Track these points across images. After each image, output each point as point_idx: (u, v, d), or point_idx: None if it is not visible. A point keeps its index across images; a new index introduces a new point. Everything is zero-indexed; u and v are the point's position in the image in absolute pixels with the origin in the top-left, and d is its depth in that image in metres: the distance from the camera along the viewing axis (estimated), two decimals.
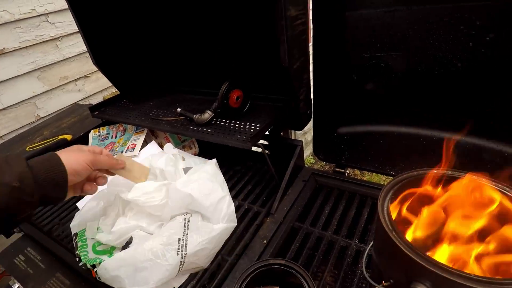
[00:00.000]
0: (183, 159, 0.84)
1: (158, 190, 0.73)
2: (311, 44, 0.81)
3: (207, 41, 0.99)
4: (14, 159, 0.51)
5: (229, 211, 0.70)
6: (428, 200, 0.47)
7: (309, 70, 0.84)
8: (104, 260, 0.62)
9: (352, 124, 0.94)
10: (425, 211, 0.46)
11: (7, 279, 0.95)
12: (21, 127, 1.45)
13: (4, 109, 1.38)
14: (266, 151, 0.83)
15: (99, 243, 0.68)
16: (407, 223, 0.45)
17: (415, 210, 0.46)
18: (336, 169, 0.89)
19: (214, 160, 0.80)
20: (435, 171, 0.47)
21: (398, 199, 0.46)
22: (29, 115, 1.48)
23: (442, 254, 0.41)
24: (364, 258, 0.52)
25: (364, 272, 0.49)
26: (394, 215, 0.44)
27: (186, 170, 0.80)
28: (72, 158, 0.57)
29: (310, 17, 0.77)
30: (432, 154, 0.83)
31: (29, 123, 1.48)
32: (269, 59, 0.82)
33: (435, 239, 0.44)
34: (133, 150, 0.96)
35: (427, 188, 0.47)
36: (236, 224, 0.70)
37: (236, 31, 0.90)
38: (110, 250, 0.68)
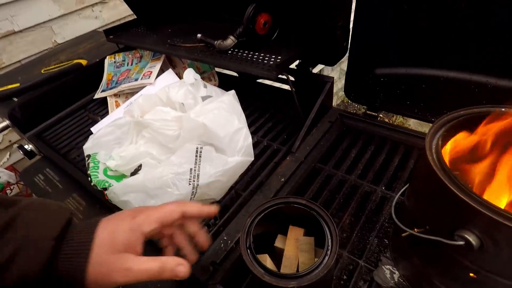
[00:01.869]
0: (205, 87, 0.78)
1: (176, 120, 0.68)
2: None
3: None
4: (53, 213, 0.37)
5: (245, 143, 0.64)
6: (487, 141, 0.38)
7: None
8: (113, 185, 0.60)
9: (393, 65, 0.82)
10: (480, 153, 0.38)
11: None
12: (39, 52, 1.41)
13: (20, 31, 1.33)
14: (292, 83, 0.75)
15: (110, 169, 0.66)
16: (459, 165, 0.37)
17: (470, 152, 0.38)
18: (367, 112, 0.80)
19: (233, 91, 0.73)
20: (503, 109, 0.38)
21: (450, 137, 0.38)
22: (46, 40, 1.43)
23: (497, 199, 0.34)
24: (394, 201, 0.46)
25: (394, 216, 0.43)
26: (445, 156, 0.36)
27: (205, 98, 0.74)
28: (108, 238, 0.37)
29: None
30: (485, 104, 0.72)
31: (46, 49, 1.43)
32: None
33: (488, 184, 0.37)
34: (148, 78, 0.90)
35: (486, 128, 0.38)
36: (253, 158, 0.65)
37: None
38: (120, 177, 0.66)
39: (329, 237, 0.40)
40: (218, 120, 0.65)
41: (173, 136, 0.67)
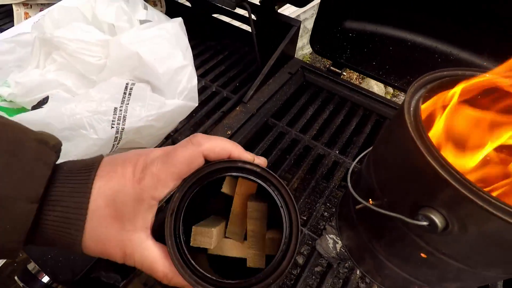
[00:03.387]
0: (145, 8, 0.62)
1: (102, 45, 0.53)
2: None
3: None
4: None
5: (189, 86, 0.53)
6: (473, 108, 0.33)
7: None
8: None
9: (363, 20, 0.75)
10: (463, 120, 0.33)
11: None
12: None
13: None
14: (254, 23, 0.63)
15: (3, 98, 0.50)
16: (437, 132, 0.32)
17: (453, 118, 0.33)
18: (331, 67, 0.73)
19: (180, 19, 0.59)
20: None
21: (432, 100, 0.32)
22: None
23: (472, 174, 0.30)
24: (351, 168, 0.41)
25: (349, 185, 0.38)
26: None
27: (144, 23, 0.59)
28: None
29: None
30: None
31: None
32: None
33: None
34: None
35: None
36: (196, 104, 0.55)
37: None
38: (18, 110, 0.51)
39: (287, 235, 0.31)
40: (157, 52, 0.51)
41: (96, 65, 0.53)
